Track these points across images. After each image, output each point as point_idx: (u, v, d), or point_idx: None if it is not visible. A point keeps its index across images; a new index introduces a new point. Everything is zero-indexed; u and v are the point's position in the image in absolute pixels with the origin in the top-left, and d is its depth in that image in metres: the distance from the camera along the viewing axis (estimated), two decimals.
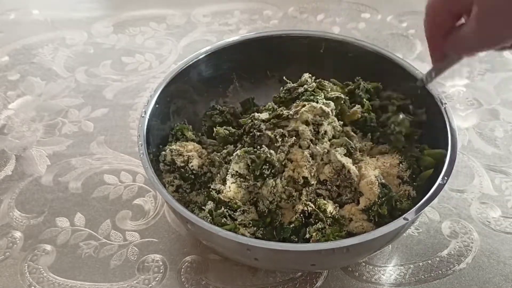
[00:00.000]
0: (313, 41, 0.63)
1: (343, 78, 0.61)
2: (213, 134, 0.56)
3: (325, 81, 0.57)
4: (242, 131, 0.54)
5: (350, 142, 0.51)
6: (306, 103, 0.52)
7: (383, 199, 0.46)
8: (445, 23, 0.39)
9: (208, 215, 0.47)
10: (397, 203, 0.47)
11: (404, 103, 0.56)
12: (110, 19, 0.93)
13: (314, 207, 0.46)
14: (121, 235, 0.56)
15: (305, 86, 0.55)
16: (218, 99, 0.64)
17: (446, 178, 0.44)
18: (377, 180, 0.47)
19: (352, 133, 0.53)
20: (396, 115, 0.54)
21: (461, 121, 0.68)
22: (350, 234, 0.47)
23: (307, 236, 0.46)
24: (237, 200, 0.48)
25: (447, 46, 0.40)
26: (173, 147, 0.53)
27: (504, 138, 0.65)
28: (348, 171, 0.48)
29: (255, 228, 0.47)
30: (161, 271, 0.52)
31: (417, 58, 0.80)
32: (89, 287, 0.51)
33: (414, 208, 0.42)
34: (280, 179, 0.48)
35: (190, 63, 0.59)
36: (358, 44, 0.60)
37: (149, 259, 0.53)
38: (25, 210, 0.59)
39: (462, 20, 0.39)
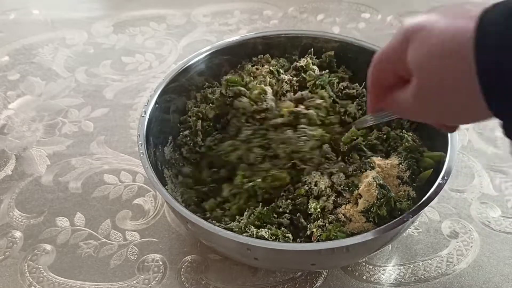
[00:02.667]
0: (312, 41, 0.63)
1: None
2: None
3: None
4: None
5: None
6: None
7: (381, 200, 0.46)
8: (388, 80, 0.37)
9: None
10: (397, 203, 0.47)
11: None
12: (110, 19, 0.93)
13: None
14: (121, 235, 0.56)
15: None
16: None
17: (446, 178, 0.44)
18: (375, 181, 0.47)
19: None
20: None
21: None
22: (350, 234, 0.46)
23: (308, 233, 0.46)
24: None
25: (384, 103, 0.39)
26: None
27: (504, 138, 0.65)
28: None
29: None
30: (161, 270, 0.52)
31: None
32: (89, 286, 0.51)
33: (414, 207, 0.42)
34: None
35: (190, 63, 0.59)
36: (358, 44, 0.61)
37: (149, 258, 0.53)
38: (25, 210, 0.59)
39: None
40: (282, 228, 0.47)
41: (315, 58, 0.62)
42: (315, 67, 0.59)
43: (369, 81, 0.39)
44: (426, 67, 0.32)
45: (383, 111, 0.42)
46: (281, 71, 0.60)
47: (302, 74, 0.59)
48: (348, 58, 0.62)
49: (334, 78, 0.59)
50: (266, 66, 0.60)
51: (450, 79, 0.30)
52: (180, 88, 0.59)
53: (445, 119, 0.36)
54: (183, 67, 0.58)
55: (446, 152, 0.47)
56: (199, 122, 0.57)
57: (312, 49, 0.62)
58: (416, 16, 0.33)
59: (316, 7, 0.94)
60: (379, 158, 0.51)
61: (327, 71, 0.61)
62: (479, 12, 0.28)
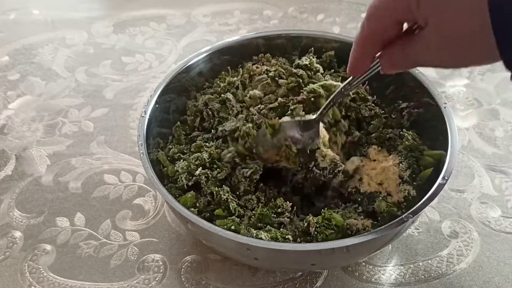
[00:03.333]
0: (313, 41, 0.63)
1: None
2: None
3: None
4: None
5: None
6: None
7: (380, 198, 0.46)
8: (387, 32, 0.35)
9: None
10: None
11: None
12: (110, 19, 0.93)
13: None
14: (121, 235, 0.56)
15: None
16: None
17: (446, 178, 0.44)
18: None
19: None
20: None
21: (461, 121, 0.68)
22: (350, 234, 0.47)
23: (305, 224, 0.46)
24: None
25: (388, 57, 0.37)
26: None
27: (504, 138, 0.65)
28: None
29: None
30: (161, 270, 0.52)
31: None
32: (89, 287, 0.51)
33: (414, 207, 0.42)
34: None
35: (190, 63, 0.59)
36: None
37: (149, 258, 0.53)
38: (25, 210, 0.59)
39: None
40: (282, 229, 0.47)
41: (316, 58, 0.62)
42: (318, 66, 0.59)
43: (362, 36, 0.37)
44: (444, 8, 0.30)
45: (365, 72, 0.41)
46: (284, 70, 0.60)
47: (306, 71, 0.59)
48: (348, 58, 0.62)
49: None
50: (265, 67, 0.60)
51: (466, 18, 0.30)
52: (180, 88, 0.59)
53: (454, 62, 0.34)
54: (183, 67, 0.58)
55: (446, 152, 0.47)
56: (198, 119, 0.57)
57: (312, 49, 0.62)
58: None
59: (316, 7, 0.94)
60: (377, 147, 0.52)
61: (332, 71, 0.61)
62: None
